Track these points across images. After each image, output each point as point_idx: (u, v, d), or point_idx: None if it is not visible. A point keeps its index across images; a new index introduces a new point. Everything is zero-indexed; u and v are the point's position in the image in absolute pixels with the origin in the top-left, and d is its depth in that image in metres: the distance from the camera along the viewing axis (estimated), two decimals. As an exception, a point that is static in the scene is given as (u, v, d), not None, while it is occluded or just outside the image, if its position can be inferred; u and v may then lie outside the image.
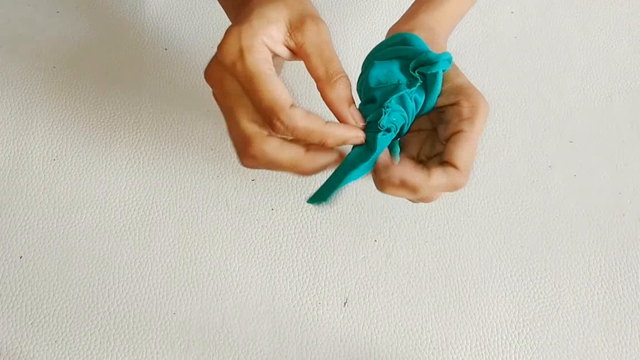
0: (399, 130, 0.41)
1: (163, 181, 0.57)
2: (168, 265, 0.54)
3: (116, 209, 0.56)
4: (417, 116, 0.43)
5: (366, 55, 0.44)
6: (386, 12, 0.66)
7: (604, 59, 0.65)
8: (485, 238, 0.56)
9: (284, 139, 0.38)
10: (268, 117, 0.36)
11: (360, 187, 0.57)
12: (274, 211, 0.56)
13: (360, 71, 0.44)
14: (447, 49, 0.45)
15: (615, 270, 0.56)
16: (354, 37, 0.63)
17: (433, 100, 0.42)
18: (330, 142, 0.38)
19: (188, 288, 0.53)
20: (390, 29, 0.47)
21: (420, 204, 0.57)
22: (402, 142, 0.44)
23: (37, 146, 0.58)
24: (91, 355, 0.51)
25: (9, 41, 0.63)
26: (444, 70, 0.41)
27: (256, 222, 0.56)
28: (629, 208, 0.58)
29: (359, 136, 0.40)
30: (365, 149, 0.40)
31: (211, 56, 0.39)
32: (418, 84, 0.41)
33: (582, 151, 0.60)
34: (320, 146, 0.39)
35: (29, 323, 0.52)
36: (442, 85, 0.42)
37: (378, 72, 0.42)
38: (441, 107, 0.42)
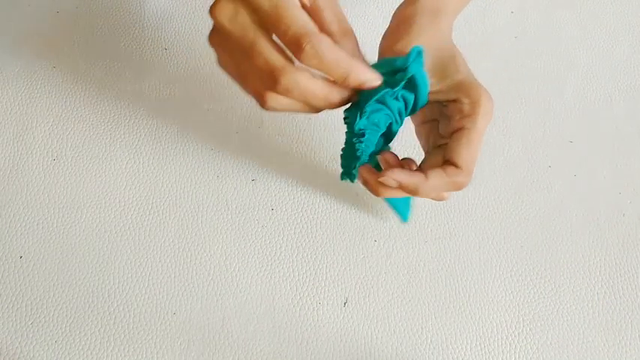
0: (385, 127, 0.42)
1: (163, 181, 0.57)
2: (168, 265, 0.54)
3: (116, 209, 0.56)
4: (413, 112, 0.42)
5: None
6: (386, 11, 0.66)
7: (604, 59, 0.65)
8: (485, 238, 0.56)
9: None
10: (298, 42, 0.35)
11: (360, 187, 0.57)
12: (274, 211, 0.56)
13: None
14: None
15: (615, 270, 0.56)
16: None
17: (423, 97, 0.41)
18: (352, 77, 0.37)
19: (188, 288, 0.53)
20: (394, 13, 0.46)
21: (420, 204, 0.57)
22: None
23: (37, 146, 0.58)
24: (91, 355, 0.51)
25: (9, 41, 0.63)
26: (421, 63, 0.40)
27: (256, 222, 0.56)
28: (629, 208, 0.58)
29: (377, 78, 0.38)
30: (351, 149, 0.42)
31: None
32: (401, 84, 0.40)
33: (582, 151, 0.60)
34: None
35: (29, 323, 0.52)
36: (442, 82, 0.41)
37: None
38: (444, 102, 0.42)
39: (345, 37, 0.38)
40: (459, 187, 0.41)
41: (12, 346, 0.51)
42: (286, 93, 0.37)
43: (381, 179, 0.40)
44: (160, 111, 0.60)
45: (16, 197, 0.56)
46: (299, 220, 0.56)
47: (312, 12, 0.38)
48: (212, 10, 0.37)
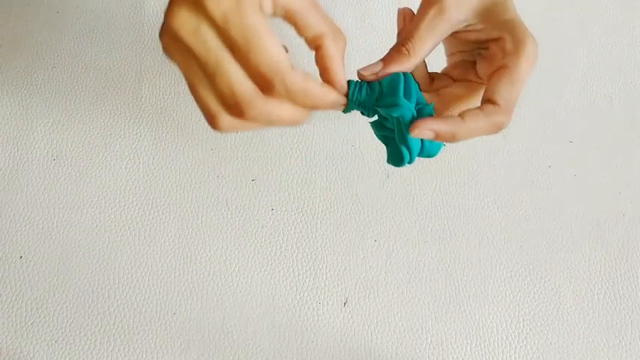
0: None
1: (163, 181, 0.57)
2: (169, 265, 0.54)
3: (116, 209, 0.56)
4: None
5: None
6: (386, 11, 0.66)
7: (604, 59, 0.65)
8: (485, 238, 0.56)
9: None
10: (267, 82, 0.33)
11: (360, 187, 0.57)
12: (274, 211, 0.56)
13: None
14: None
15: (615, 270, 0.56)
16: (354, 37, 0.63)
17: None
18: (322, 105, 0.35)
19: (188, 288, 0.53)
20: None
21: (420, 204, 0.57)
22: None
23: (37, 146, 0.58)
24: (91, 355, 0.51)
25: (9, 41, 0.63)
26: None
27: (256, 222, 0.56)
28: (629, 208, 0.58)
29: (342, 102, 0.37)
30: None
31: None
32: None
33: (582, 151, 0.60)
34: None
35: (29, 323, 0.52)
36: (487, 20, 0.40)
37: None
38: (484, 42, 0.41)
39: (335, 39, 0.35)
40: (498, 128, 0.38)
41: (12, 346, 0.51)
42: (253, 122, 0.34)
43: (414, 132, 0.37)
44: (159, 111, 0.60)
45: (16, 197, 0.56)
46: (299, 220, 0.56)
47: (287, 18, 0.35)
48: (168, 17, 0.33)
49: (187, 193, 0.57)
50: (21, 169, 0.57)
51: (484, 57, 0.41)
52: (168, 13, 0.32)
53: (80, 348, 0.51)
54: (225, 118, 0.34)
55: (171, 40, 0.33)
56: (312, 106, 0.35)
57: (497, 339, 0.53)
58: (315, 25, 0.35)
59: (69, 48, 0.63)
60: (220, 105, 0.34)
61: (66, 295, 0.53)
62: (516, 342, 0.53)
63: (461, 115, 0.38)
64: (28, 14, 0.64)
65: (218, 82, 0.33)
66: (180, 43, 0.33)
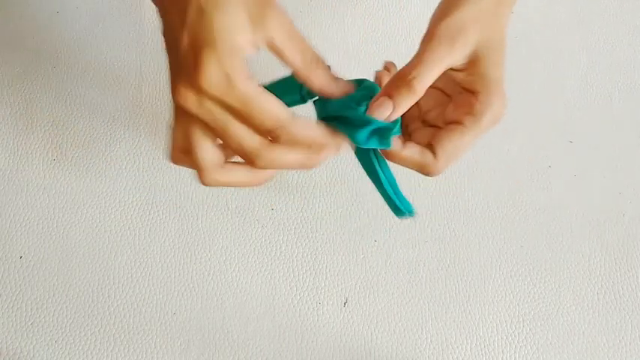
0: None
1: (163, 181, 0.57)
2: (169, 265, 0.54)
3: (116, 209, 0.56)
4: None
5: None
6: (386, 11, 0.66)
7: (604, 59, 0.65)
8: (485, 238, 0.56)
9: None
10: (273, 134, 0.36)
11: (360, 187, 0.57)
12: (274, 211, 0.56)
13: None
14: None
15: (615, 270, 0.56)
16: (353, 37, 0.63)
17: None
18: (325, 151, 0.39)
19: (188, 288, 0.53)
20: None
21: (420, 204, 0.57)
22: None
23: (37, 146, 0.58)
24: (91, 355, 0.51)
25: (9, 41, 0.63)
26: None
27: (256, 222, 0.56)
28: (629, 208, 0.58)
29: (340, 144, 0.39)
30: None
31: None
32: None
33: (582, 151, 0.60)
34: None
35: (29, 323, 0.52)
36: (472, 69, 0.39)
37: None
38: (465, 88, 0.40)
39: (312, 69, 0.37)
40: (426, 174, 0.40)
41: (12, 346, 0.51)
42: (265, 170, 0.39)
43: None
44: (160, 111, 0.60)
45: (16, 197, 0.56)
46: (299, 220, 0.56)
47: (272, 51, 0.37)
48: (172, 93, 0.36)
49: (187, 193, 0.57)
50: (21, 169, 0.57)
51: (456, 101, 0.41)
52: (172, 90, 0.36)
53: (80, 348, 0.51)
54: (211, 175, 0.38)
55: (179, 110, 0.37)
56: (319, 149, 0.38)
57: (497, 339, 0.53)
58: (292, 62, 0.37)
59: (69, 48, 0.63)
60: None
61: (66, 295, 0.53)
62: (516, 342, 0.53)
63: (404, 142, 0.40)
64: (28, 14, 0.64)
65: (228, 140, 0.36)
66: (188, 114, 0.36)
